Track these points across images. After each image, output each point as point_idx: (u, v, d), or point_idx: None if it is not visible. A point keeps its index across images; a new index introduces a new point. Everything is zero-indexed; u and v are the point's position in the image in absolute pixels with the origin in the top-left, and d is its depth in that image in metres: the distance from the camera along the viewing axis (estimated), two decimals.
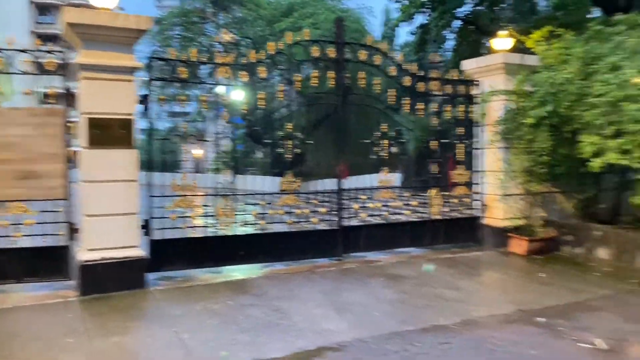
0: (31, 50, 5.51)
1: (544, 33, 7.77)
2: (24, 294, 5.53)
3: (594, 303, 5.50)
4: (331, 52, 7.08)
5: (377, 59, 7.41)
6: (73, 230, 5.67)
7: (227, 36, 22.32)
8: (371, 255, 7.48)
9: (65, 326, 4.63)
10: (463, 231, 8.17)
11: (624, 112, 6.25)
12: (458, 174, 8.22)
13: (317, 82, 7.05)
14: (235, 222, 6.68)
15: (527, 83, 7.56)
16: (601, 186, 7.85)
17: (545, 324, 4.83)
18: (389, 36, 27.47)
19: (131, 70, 5.66)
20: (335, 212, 7.25)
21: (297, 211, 7.13)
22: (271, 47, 6.84)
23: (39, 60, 5.65)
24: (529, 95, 7.44)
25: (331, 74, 7.12)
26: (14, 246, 5.50)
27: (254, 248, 6.69)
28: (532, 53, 7.99)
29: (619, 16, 7.65)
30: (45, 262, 5.60)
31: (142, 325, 4.77)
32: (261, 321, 4.81)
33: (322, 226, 7.19)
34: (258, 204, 7.32)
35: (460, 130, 8.27)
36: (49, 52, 5.55)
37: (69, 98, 5.72)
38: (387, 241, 7.63)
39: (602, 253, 7.23)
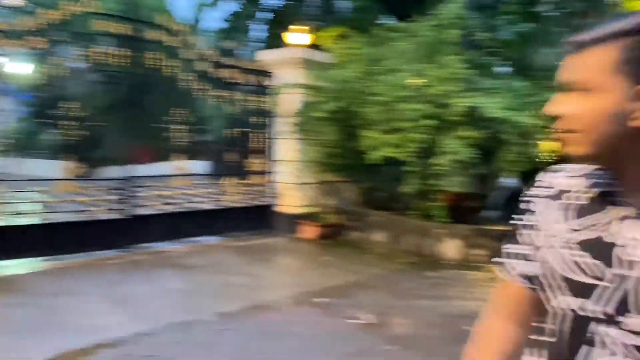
0: None
1: (337, 33, 8.31)
2: None
3: (368, 282, 6.07)
4: (123, 28, 6.61)
5: (173, 41, 7.14)
6: None
7: None
8: (164, 246, 7.24)
9: None
10: (258, 219, 8.37)
11: (398, 110, 6.97)
12: (254, 163, 8.38)
13: (110, 59, 6.52)
14: (10, 212, 5.90)
15: (320, 79, 8.01)
16: (381, 177, 8.72)
17: (323, 304, 5.19)
18: (198, 20, 26.89)
19: None
20: (126, 201, 6.84)
21: (82, 199, 6.56)
22: (54, 15, 6.11)
23: None
24: (320, 90, 7.89)
25: (127, 52, 6.65)
26: None
27: (31, 241, 5.98)
28: (327, 51, 8.49)
29: (401, 24, 8.52)
30: None
31: None
32: (29, 322, 4.31)
33: (110, 215, 6.73)
34: (37, 191, 6.56)
35: (257, 120, 8.44)
36: None
37: None
38: (181, 230, 7.46)
39: (379, 237, 8.03)
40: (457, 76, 6.85)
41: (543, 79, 7.79)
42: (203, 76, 7.64)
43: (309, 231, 8.10)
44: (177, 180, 7.47)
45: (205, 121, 8.51)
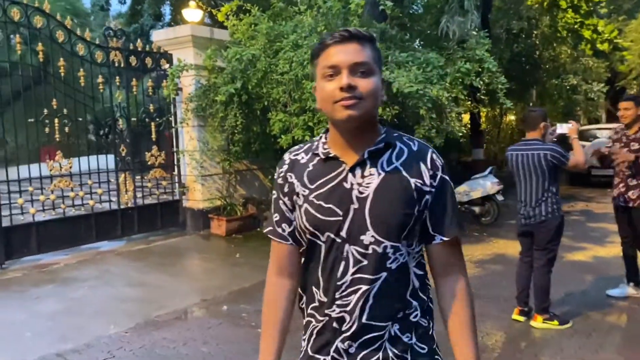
0: None
1: (232, 7, 7.56)
2: None
3: None
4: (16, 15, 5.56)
5: (39, 21, 6.13)
6: None
7: None
8: (48, 258, 6.31)
9: None
10: (162, 217, 7.57)
11: (305, 89, 6.39)
12: (152, 155, 7.54)
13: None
14: None
15: (218, 58, 7.25)
16: None
17: (227, 312, 4.57)
18: (100, 4, 24.98)
19: None
20: None
21: None
22: None
23: None
24: (220, 72, 7.15)
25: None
26: None
27: None
28: (225, 27, 7.73)
29: None
30: None
31: None
32: None
33: None
34: None
35: (158, 108, 7.59)
36: None
37: None
38: (69, 239, 6.53)
39: None
40: None
41: (454, 52, 7.50)
42: (98, 64, 6.70)
43: (219, 226, 7.42)
44: (64, 181, 6.50)
45: (103, 112, 7.49)
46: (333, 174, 1.27)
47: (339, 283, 1.26)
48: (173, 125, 7.66)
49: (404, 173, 1.26)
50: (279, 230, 1.38)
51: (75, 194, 6.58)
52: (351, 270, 1.25)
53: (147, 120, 7.52)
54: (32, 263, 6.10)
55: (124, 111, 7.20)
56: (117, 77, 7.13)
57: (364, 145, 1.26)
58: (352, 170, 1.26)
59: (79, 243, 6.69)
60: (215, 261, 6.36)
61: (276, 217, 1.38)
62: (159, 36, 7.75)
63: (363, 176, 1.25)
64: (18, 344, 3.92)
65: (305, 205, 1.29)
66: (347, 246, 1.25)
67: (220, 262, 6.30)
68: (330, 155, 1.29)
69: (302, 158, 1.35)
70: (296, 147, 1.41)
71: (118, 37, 7.07)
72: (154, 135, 7.51)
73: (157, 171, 7.54)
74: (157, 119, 7.60)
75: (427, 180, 1.27)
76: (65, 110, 6.47)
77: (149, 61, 7.41)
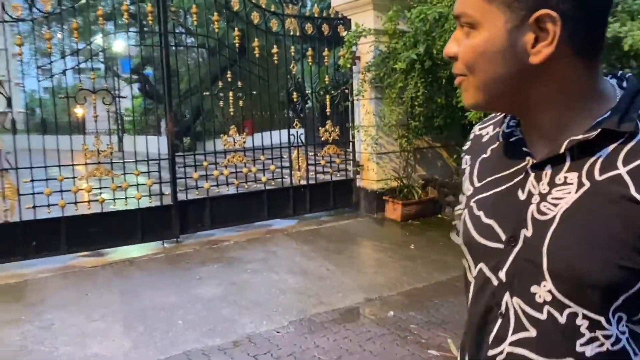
0: None
1: None
2: None
3: (460, 283, 4.54)
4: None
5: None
6: None
7: None
8: (221, 234, 6.22)
9: None
10: (335, 197, 7.05)
11: None
12: (326, 131, 7.03)
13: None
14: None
15: (400, 20, 6.37)
16: None
17: (393, 320, 3.80)
18: None
19: None
20: (169, 184, 5.87)
21: (113, 186, 5.65)
22: None
23: None
24: (401, 35, 6.27)
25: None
26: None
27: (53, 236, 5.21)
28: None
29: None
30: None
31: None
32: (10, 350, 3.44)
33: (148, 203, 5.80)
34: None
35: (328, 79, 7.05)
36: None
37: None
38: (241, 215, 6.37)
39: None
40: None
41: None
42: (273, 33, 6.40)
43: (393, 210, 6.65)
44: (237, 156, 6.34)
45: (278, 85, 7.23)
46: (509, 170, 0.79)
47: (489, 354, 0.77)
48: (349, 98, 7.04)
49: (632, 190, 0.66)
50: (457, 225, 0.93)
51: (248, 170, 6.39)
52: (510, 337, 0.75)
53: (322, 93, 7.02)
54: (205, 238, 6.05)
55: (299, 83, 6.78)
56: (292, 47, 6.70)
57: (567, 129, 0.71)
58: (536, 169, 0.74)
59: (251, 220, 6.51)
60: (386, 251, 5.62)
61: (458, 209, 0.94)
62: (337, 0, 7.14)
63: (553, 183, 0.72)
64: (167, 333, 3.66)
65: (465, 211, 0.86)
66: (506, 296, 0.75)
67: (391, 252, 5.54)
68: (513, 138, 0.80)
69: (487, 135, 0.89)
70: (491, 116, 0.92)
71: (294, 3, 6.62)
72: (328, 109, 6.99)
73: (330, 147, 7.03)
74: (332, 92, 7.05)
75: None
76: (239, 83, 6.24)
77: (325, 28, 6.85)
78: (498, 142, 0.83)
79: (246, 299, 4.28)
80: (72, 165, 5.31)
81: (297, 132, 6.75)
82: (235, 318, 3.90)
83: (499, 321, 0.76)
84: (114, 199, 5.58)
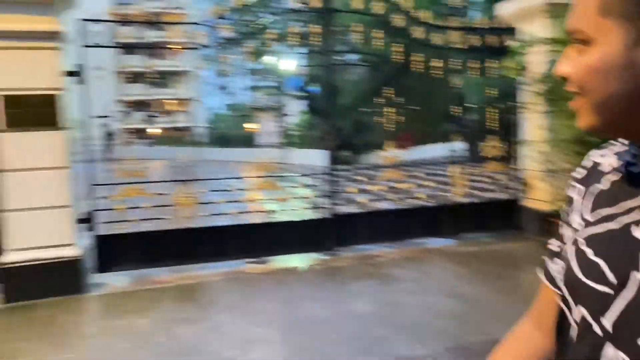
0: None
1: None
2: None
3: None
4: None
5: (378, 7, 5.99)
6: None
7: None
8: (377, 249, 6.22)
9: None
10: (497, 217, 6.64)
11: None
12: (490, 146, 6.66)
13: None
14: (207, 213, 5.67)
15: None
16: None
17: None
18: None
19: (51, 35, 4.72)
20: (328, 197, 6.03)
21: (278, 198, 5.97)
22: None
23: None
24: None
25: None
26: None
27: (224, 243, 5.66)
28: None
29: None
30: None
31: (35, 348, 3.86)
32: (182, 345, 3.79)
33: (309, 215, 6.01)
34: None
35: (493, 92, 6.68)
36: None
37: None
38: (397, 231, 6.31)
39: None
40: None
41: None
42: (433, 46, 6.29)
43: None
44: (394, 171, 6.31)
45: (442, 98, 7.09)
46: (627, 205, 0.68)
47: None
48: (516, 111, 6.60)
49: None
50: (548, 263, 0.84)
51: (406, 185, 6.31)
52: None
53: (486, 106, 6.69)
54: (360, 252, 6.10)
55: (460, 97, 6.54)
56: (455, 59, 6.48)
57: None
58: None
59: (407, 237, 6.41)
60: None
61: (552, 243, 0.84)
62: (504, 9, 6.75)
63: None
64: (323, 347, 3.73)
65: (571, 247, 0.74)
66: (609, 348, 0.64)
67: None
68: (635, 168, 0.70)
69: (607, 164, 0.77)
70: (611, 143, 0.79)
71: (458, 15, 6.41)
72: (493, 124, 6.62)
73: (493, 164, 6.65)
74: (498, 105, 6.67)
75: None
76: (399, 98, 6.22)
77: (491, 39, 6.52)
78: (619, 173, 0.73)
79: (400, 319, 4.19)
80: (243, 177, 5.72)
81: (457, 146, 6.50)
82: (389, 338, 3.84)
83: None
84: (278, 210, 5.89)
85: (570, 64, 0.68)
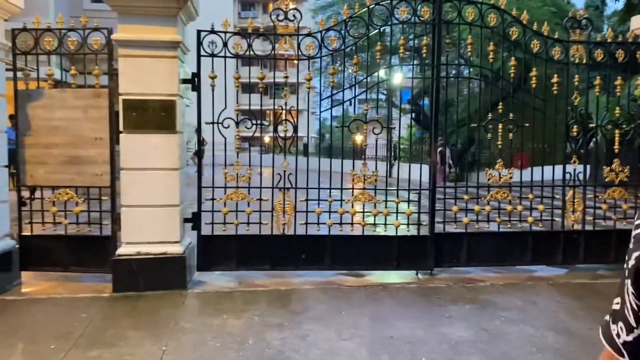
0: (79, 29, 5.23)
1: None
2: (69, 284, 5.37)
3: None
4: (425, 11, 5.64)
5: (492, 19, 5.73)
6: (116, 221, 5.31)
7: None
8: (477, 272, 5.91)
9: (67, 326, 4.23)
10: (618, 247, 6.01)
11: None
12: (612, 170, 6.07)
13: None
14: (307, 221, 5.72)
15: None
16: None
17: None
18: (595, 4, 23.44)
19: (172, 45, 5.05)
20: (428, 214, 5.83)
21: (375, 211, 5.86)
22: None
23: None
24: None
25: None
26: (60, 233, 5.36)
27: (319, 252, 5.67)
28: None
29: None
30: (90, 253, 5.36)
31: (135, 336, 4.08)
32: (270, 351, 3.82)
33: (405, 231, 5.85)
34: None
35: (619, 112, 6.09)
36: (94, 29, 5.21)
37: (115, 78, 5.33)
38: (501, 256, 5.94)
39: None
40: None
41: None
42: (553, 60, 5.90)
43: None
44: (501, 192, 5.95)
45: (562, 117, 6.63)
46: None
47: None
48: None
49: None
50: (612, 328, 0.71)
51: (512, 208, 5.93)
52: None
53: (610, 127, 6.11)
54: (459, 275, 5.82)
55: (580, 116, 6.04)
56: (577, 76, 6.00)
57: None
58: None
59: (512, 262, 6.02)
60: None
61: (616, 303, 0.71)
62: (638, 22, 6.16)
63: None
64: None
65: None
66: None
67: None
68: None
69: None
70: None
71: (582, 28, 5.94)
72: (617, 146, 6.03)
73: (616, 190, 6.04)
74: (624, 126, 6.08)
75: None
76: (511, 115, 5.87)
77: (620, 54, 5.96)
78: None
79: (497, 349, 3.91)
80: (341, 188, 5.71)
81: (574, 169, 6.00)
82: None
83: None
84: (375, 224, 5.80)
85: None
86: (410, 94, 20.95)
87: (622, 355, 0.70)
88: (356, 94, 6.12)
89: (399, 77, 9.34)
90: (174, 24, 5.07)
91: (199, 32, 5.34)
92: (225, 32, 5.37)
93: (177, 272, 5.17)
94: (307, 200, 5.66)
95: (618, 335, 0.71)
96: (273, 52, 5.69)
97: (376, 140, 6.23)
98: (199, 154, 5.69)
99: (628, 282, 0.67)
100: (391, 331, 4.20)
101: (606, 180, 6.08)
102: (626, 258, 0.72)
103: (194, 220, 5.48)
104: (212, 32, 5.37)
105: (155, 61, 5.05)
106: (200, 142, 5.66)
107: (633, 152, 6.68)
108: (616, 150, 6.04)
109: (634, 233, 0.66)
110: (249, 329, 4.19)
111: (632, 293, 0.64)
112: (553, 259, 6.03)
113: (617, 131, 6.02)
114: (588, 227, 6.03)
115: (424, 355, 3.77)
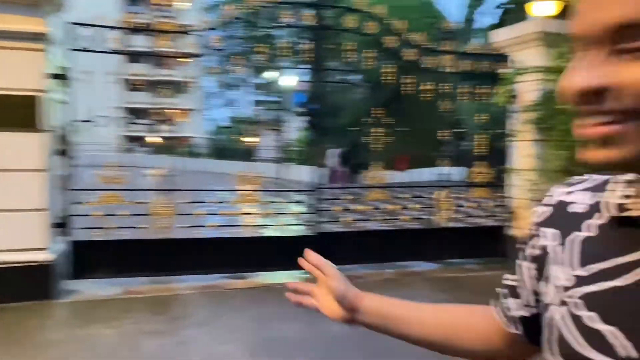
0: None
1: None
2: None
3: None
4: (306, 17, 5.76)
5: (372, 26, 5.98)
6: None
7: None
8: (356, 269, 6.13)
9: None
10: (482, 243, 6.55)
11: None
12: (477, 172, 6.61)
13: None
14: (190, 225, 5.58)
15: (568, 57, 5.80)
16: None
17: None
18: (469, 18, 25.18)
19: (36, 37, 4.69)
20: (313, 214, 5.96)
21: (261, 213, 5.91)
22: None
23: None
24: None
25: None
26: None
27: (203, 255, 5.56)
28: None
29: None
30: None
31: None
32: (149, 356, 3.67)
33: (293, 231, 5.93)
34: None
35: (483, 118, 6.65)
36: None
37: None
38: (380, 252, 6.21)
39: None
40: None
41: None
42: (425, 69, 6.27)
43: None
44: (379, 193, 6.24)
45: (436, 123, 7.06)
46: (630, 257, 0.54)
47: None
48: (505, 138, 6.56)
49: None
50: (503, 302, 0.77)
51: (392, 208, 6.24)
52: None
53: (477, 131, 6.65)
54: (342, 272, 5.98)
55: (451, 121, 6.50)
56: (447, 85, 6.46)
57: None
58: None
59: (390, 259, 6.32)
60: None
61: (506, 280, 0.77)
62: (499, 36, 6.76)
63: None
64: None
65: (559, 311, 0.60)
66: None
67: None
68: (632, 216, 0.55)
69: (580, 204, 0.64)
70: (576, 178, 0.69)
71: (452, 40, 6.40)
72: (482, 150, 6.58)
73: (480, 190, 6.58)
74: (488, 131, 6.64)
75: None
76: (388, 120, 6.18)
77: (483, 65, 6.51)
78: (605, 216, 0.59)
79: (375, 344, 4.06)
80: (225, 190, 5.65)
81: (446, 171, 6.44)
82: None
83: None
84: (261, 225, 5.81)
85: (607, 76, 0.48)
86: (303, 97, 21.30)
87: (509, 326, 0.76)
88: (246, 96, 6.08)
89: (288, 80, 9.44)
90: (39, 14, 4.70)
91: (69, 24, 5.00)
92: (98, 26, 5.08)
93: (45, 281, 4.80)
94: (190, 202, 5.52)
95: (508, 309, 0.76)
96: (154, 50, 5.48)
97: (272, 142, 6.25)
98: (66, 153, 5.30)
99: (526, 264, 0.72)
100: (273, 332, 4.23)
101: (474, 180, 6.60)
102: (524, 242, 0.73)
103: (64, 225, 5.11)
104: (84, 24, 5.06)
105: (17, 53, 4.65)
106: (68, 141, 5.28)
107: (499, 154, 7.31)
108: (483, 153, 6.58)
109: (536, 221, 0.71)
110: (123, 338, 4.00)
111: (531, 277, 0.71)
112: (426, 255, 6.42)
113: (482, 135, 6.56)
114: (457, 225, 6.50)
115: (304, 353, 3.84)
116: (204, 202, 5.59)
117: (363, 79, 6.43)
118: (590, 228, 0.61)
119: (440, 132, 6.64)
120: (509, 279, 0.76)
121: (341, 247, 6.04)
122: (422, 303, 0.92)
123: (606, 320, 0.55)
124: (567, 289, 0.60)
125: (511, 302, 0.74)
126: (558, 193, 0.70)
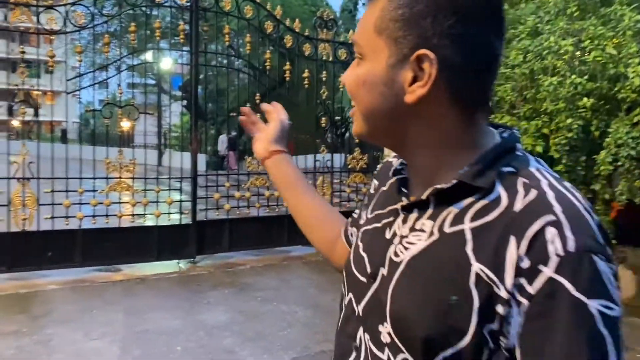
0: None
1: None
2: None
3: None
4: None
5: (249, 11, 5.92)
6: None
7: None
8: (239, 257, 6.10)
9: None
10: None
11: (542, 86, 4.97)
12: (353, 158, 6.87)
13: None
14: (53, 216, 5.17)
15: None
16: None
17: None
18: (349, 9, 25.80)
19: None
20: (191, 202, 5.81)
21: (132, 202, 5.64)
22: None
23: None
24: None
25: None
26: None
27: (69, 248, 5.20)
28: None
29: None
30: None
31: None
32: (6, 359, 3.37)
33: (169, 220, 5.75)
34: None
35: None
36: None
37: None
38: (260, 239, 6.25)
39: None
40: (634, 34, 4.67)
41: None
42: (305, 57, 6.32)
43: None
44: (260, 179, 6.24)
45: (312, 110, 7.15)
46: (389, 208, 0.78)
47: None
48: None
49: (468, 248, 0.63)
50: (348, 229, 0.97)
51: (270, 194, 6.27)
52: None
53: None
54: (221, 260, 5.94)
55: (328, 109, 6.67)
56: (325, 72, 6.60)
57: (437, 175, 0.70)
58: (406, 211, 0.73)
59: (271, 245, 6.37)
60: None
61: (354, 214, 0.96)
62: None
63: (413, 228, 0.71)
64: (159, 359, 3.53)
65: (356, 236, 0.87)
66: (361, 330, 0.76)
67: None
68: (400, 176, 0.78)
69: (394, 166, 0.82)
70: None
71: (329, 29, 6.55)
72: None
73: (357, 176, 6.86)
74: None
75: (509, 279, 0.60)
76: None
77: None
78: (394, 177, 0.80)
79: (251, 329, 4.11)
80: (94, 178, 5.32)
81: (323, 158, 6.61)
82: (235, 349, 3.73)
83: (354, 354, 0.76)
84: (132, 214, 5.55)
85: (348, 74, 0.73)
86: (181, 81, 20.51)
87: (345, 240, 0.98)
88: (114, 76, 5.75)
89: (166, 62, 9.09)
90: None
91: None
92: None
93: None
94: (52, 191, 5.12)
95: (351, 234, 0.98)
96: (13, 25, 4.97)
97: (151, 128, 5.94)
98: None
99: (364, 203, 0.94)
100: (147, 325, 4.08)
101: (349, 167, 6.85)
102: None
103: None
104: None
105: None
106: None
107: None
108: (357, 140, 6.84)
109: (374, 172, 0.96)
110: None
111: None
112: (306, 239, 6.54)
113: None
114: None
115: (180, 345, 3.75)
116: (72, 191, 5.20)
117: (247, 64, 6.32)
118: (388, 185, 0.82)
119: (321, 119, 6.77)
120: (355, 213, 0.96)
121: (220, 235, 5.98)
122: (313, 189, 1.12)
123: (364, 250, 0.78)
124: (362, 225, 0.83)
125: (350, 230, 0.95)
126: (390, 156, 0.90)
